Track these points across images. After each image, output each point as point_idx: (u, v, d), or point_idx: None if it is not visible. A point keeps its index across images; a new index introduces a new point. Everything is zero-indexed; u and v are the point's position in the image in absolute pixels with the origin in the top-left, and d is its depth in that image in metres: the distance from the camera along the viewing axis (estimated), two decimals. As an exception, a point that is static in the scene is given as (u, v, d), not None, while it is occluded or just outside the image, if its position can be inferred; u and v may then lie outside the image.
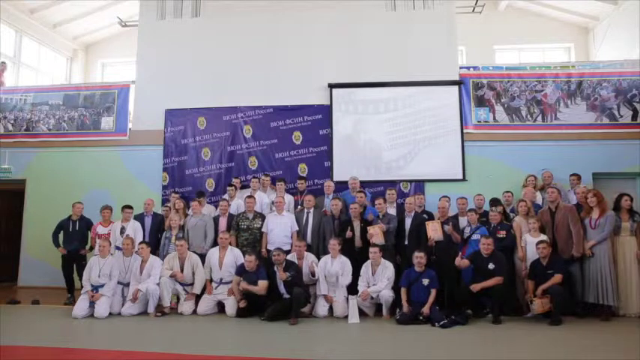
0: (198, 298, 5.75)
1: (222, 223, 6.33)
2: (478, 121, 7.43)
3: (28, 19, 9.58)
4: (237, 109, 7.75)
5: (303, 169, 7.48)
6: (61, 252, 6.52)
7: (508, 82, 7.50)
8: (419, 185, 7.29)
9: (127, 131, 8.01)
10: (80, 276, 5.98)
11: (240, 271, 5.51)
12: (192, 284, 5.75)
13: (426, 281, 5.21)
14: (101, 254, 5.67)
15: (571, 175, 6.43)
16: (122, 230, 6.29)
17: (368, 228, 5.73)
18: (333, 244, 5.55)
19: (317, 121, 7.58)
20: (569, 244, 5.34)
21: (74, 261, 6.50)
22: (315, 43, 7.77)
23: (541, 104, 7.38)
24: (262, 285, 5.33)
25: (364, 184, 6.91)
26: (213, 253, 5.77)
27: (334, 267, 5.50)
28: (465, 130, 7.37)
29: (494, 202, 6.08)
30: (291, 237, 5.97)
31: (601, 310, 5.17)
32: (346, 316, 5.25)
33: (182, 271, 5.71)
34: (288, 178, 7.17)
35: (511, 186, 6.68)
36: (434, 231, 5.70)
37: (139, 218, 6.50)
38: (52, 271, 7.60)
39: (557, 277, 5.02)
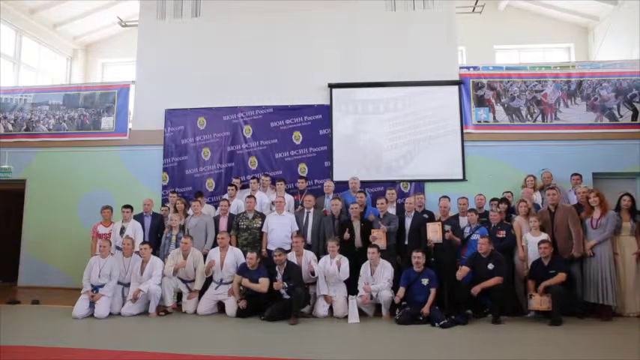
0: (200, 295, 5.77)
1: (223, 223, 6.33)
2: (478, 121, 7.43)
3: (28, 19, 9.57)
4: (237, 109, 7.74)
5: (303, 169, 7.48)
6: None
7: (508, 82, 7.50)
8: (419, 185, 7.29)
9: (127, 131, 8.01)
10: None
11: (242, 270, 5.53)
12: (194, 280, 5.77)
13: (425, 281, 5.21)
14: (101, 254, 5.67)
15: (573, 175, 6.42)
16: (122, 230, 6.30)
17: (372, 231, 5.74)
18: (331, 245, 5.55)
19: (317, 121, 7.58)
20: (569, 244, 5.34)
21: None
22: (315, 43, 7.77)
23: (541, 104, 7.38)
24: (264, 283, 5.35)
25: (364, 184, 6.92)
26: (214, 254, 5.77)
27: (333, 267, 5.50)
28: (465, 130, 7.37)
29: (501, 200, 6.07)
30: (291, 237, 5.96)
31: (601, 310, 5.17)
32: (346, 316, 5.26)
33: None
34: (288, 178, 7.17)
35: (511, 186, 6.68)
36: (433, 232, 5.69)
37: (139, 218, 6.50)
38: (52, 271, 7.65)
39: (562, 276, 5.02)
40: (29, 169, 8.10)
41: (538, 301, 4.99)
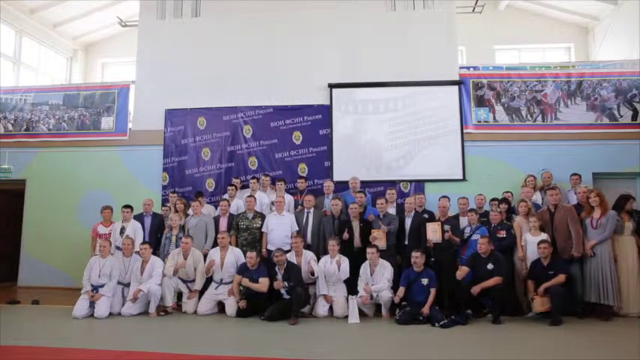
0: (200, 295, 5.77)
1: (223, 223, 6.33)
2: (478, 121, 7.42)
3: (28, 19, 9.58)
4: (237, 109, 7.74)
5: (303, 169, 7.48)
6: None
7: (508, 82, 7.50)
8: (419, 185, 7.29)
9: (127, 131, 8.01)
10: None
11: (242, 269, 5.53)
12: (194, 280, 5.78)
13: (425, 281, 5.22)
14: (101, 254, 5.67)
15: (572, 175, 6.42)
16: (122, 230, 6.30)
17: (372, 231, 5.74)
18: (332, 244, 5.55)
19: (317, 121, 7.58)
20: (569, 244, 5.34)
21: None
22: (315, 43, 7.77)
23: (541, 104, 7.38)
24: (264, 282, 5.36)
25: (364, 184, 6.92)
26: (214, 254, 5.77)
27: (334, 267, 5.50)
28: (465, 130, 7.37)
29: (501, 200, 6.07)
30: (291, 237, 5.95)
31: (601, 310, 5.17)
32: (346, 316, 5.26)
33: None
34: (288, 178, 7.16)
35: (511, 186, 6.68)
36: (433, 232, 5.70)
37: (139, 218, 6.50)
38: (52, 271, 7.65)
39: (561, 277, 5.02)
40: (29, 169, 8.09)
41: (540, 303, 4.99)
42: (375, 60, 7.63)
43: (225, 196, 6.81)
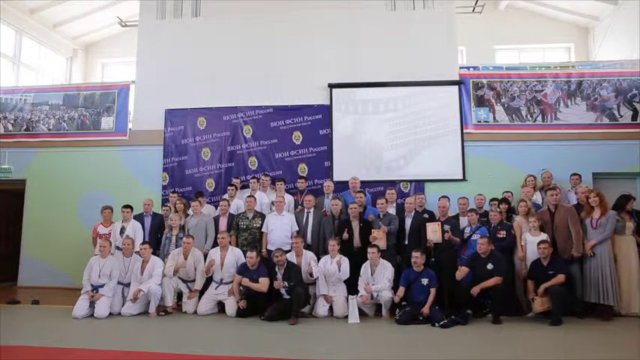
0: (200, 295, 5.77)
1: (223, 223, 6.33)
2: (478, 121, 7.43)
3: (28, 19, 9.58)
4: (237, 109, 7.75)
5: (303, 169, 7.48)
6: None
7: (508, 82, 7.50)
8: (419, 185, 7.29)
9: (127, 131, 8.01)
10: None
11: (242, 269, 5.53)
12: (194, 280, 5.78)
13: (425, 281, 5.22)
14: (101, 254, 5.67)
15: (572, 175, 6.42)
16: (122, 230, 6.30)
17: (372, 231, 5.74)
18: (332, 244, 5.56)
19: (317, 121, 7.58)
20: (569, 244, 5.35)
21: None
22: (315, 43, 7.77)
23: (541, 104, 7.38)
24: (264, 282, 5.36)
25: (364, 184, 6.92)
26: (214, 254, 5.77)
27: (334, 267, 5.51)
28: (465, 130, 7.37)
29: (501, 200, 6.07)
30: (291, 237, 5.95)
31: (602, 310, 5.17)
32: (346, 316, 5.26)
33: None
34: (288, 178, 7.17)
35: (511, 186, 6.68)
36: (433, 232, 5.70)
37: (139, 218, 6.50)
38: (52, 271, 7.65)
39: (561, 277, 5.02)
40: (29, 169, 8.09)
41: (539, 303, 5.00)
42: (375, 60, 7.63)
43: (225, 196, 6.81)
